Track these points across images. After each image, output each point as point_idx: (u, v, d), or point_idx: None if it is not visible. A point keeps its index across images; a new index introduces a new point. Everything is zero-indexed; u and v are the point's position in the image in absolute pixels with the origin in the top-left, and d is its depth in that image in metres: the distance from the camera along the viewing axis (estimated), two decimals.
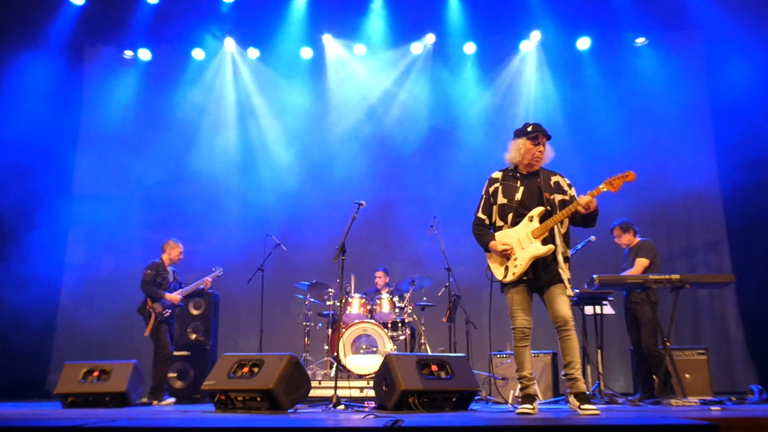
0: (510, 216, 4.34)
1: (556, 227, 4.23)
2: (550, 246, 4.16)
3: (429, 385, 4.67)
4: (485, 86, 9.32)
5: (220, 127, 9.44)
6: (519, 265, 4.22)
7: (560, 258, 4.19)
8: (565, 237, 4.31)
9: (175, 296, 6.58)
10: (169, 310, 6.55)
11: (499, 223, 4.39)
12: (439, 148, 9.24)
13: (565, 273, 4.20)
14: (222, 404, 4.76)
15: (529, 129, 4.37)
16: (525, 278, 4.24)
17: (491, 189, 4.47)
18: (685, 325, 8.35)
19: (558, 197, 4.30)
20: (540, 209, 4.25)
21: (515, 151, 4.40)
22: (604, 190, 4.13)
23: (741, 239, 8.32)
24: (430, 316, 7.76)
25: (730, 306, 8.34)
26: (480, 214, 4.48)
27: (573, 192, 4.37)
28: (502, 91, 9.33)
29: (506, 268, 4.29)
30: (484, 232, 4.43)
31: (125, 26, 8.92)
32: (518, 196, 4.34)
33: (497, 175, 4.50)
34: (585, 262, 7.43)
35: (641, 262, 6.07)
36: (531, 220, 4.25)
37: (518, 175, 4.42)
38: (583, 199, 4.10)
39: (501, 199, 4.39)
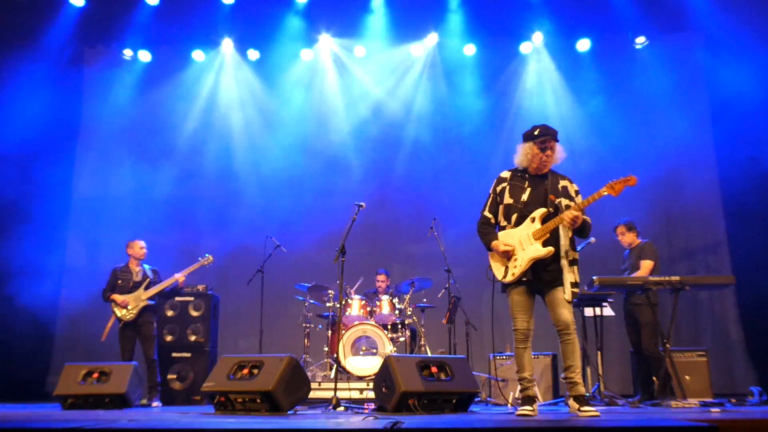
0: (514, 216, 4.33)
1: (562, 229, 4.20)
2: (550, 248, 4.15)
3: (429, 386, 4.66)
4: (485, 88, 9.30)
5: (219, 129, 9.43)
6: (518, 265, 4.22)
7: (563, 261, 4.16)
8: (572, 241, 4.28)
9: (120, 298, 6.66)
10: (129, 313, 6.61)
11: (503, 222, 4.39)
12: (439, 150, 9.24)
13: (569, 276, 4.15)
14: (222, 406, 4.76)
15: (536, 133, 4.32)
16: (524, 279, 4.24)
17: (499, 188, 4.46)
18: (685, 326, 8.34)
19: (564, 202, 4.26)
20: (542, 210, 4.24)
21: (523, 155, 4.37)
22: (605, 194, 4.12)
23: (741, 241, 8.31)
24: (430, 318, 7.75)
25: (729, 308, 8.33)
26: (486, 213, 4.47)
27: (579, 200, 4.29)
28: (503, 93, 9.31)
29: (506, 269, 4.29)
30: (488, 231, 4.43)
31: (125, 28, 8.92)
32: (524, 197, 4.33)
33: (506, 174, 4.48)
34: (585, 263, 7.39)
35: (647, 264, 6.06)
36: (533, 222, 4.24)
37: (527, 176, 4.40)
38: (568, 215, 4.09)
39: (507, 199, 4.38)
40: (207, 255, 7.09)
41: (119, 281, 6.78)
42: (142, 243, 6.94)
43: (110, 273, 6.89)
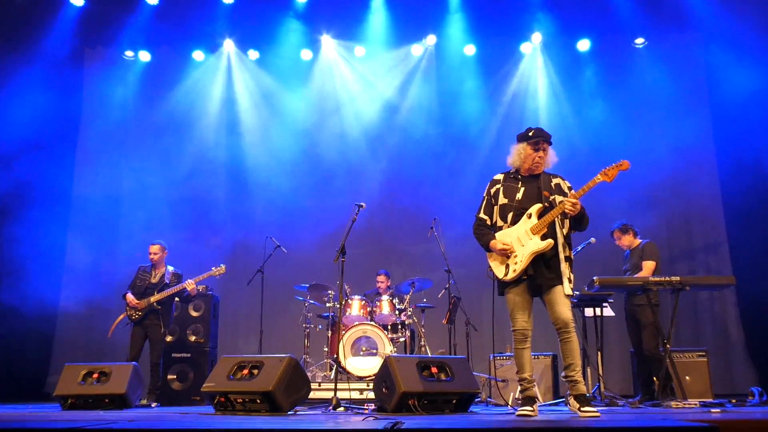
0: (510, 215, 4.35)
1: (557, 226, 4.22)
2: (550, 240, 4.17)
3: (429, 387, 4.66)
4: (485, 88, 9.31)
5: (219, 129, 9.44)
6: (519, 262, 4.22)
7: (561, 255, 4.18)
8: (567, 238, 4.30)
9: (129, 298, 6.68)
10: (136, 313, 6.62)
11: (500, 223, 4.40)
12: (439, 150, 9.24)
13: (566, 271, 4.18)
14: (222, 406, 4.75)
15: (530, 134, 4.38)
16: (525, 276, 4.24)
17: (492, 190, 4.49)
18: (685, 327, 8.34)
19: (558, 198, 4.29)
20: (538, 206, 4.27)
21: (516, 155, 4.43)
22: (600, 180, 4.18)
23: (741, 241, 8.31)
24: (430, 318, 7.75)
25: (730, 308, 8.33)
26: (481, 215, 4.50)
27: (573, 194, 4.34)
28: (503, 93, 9.31)
29: (507, 267, 4.29)
30: (485, 232, 4.44)
31: (125, 28, 8.92)
32: (519, 195, 4.36)
33: (499, 177, 4.53)
34: (585, 264, 7.42)
35: (649, 265, 6.06)
36: (529, 217, 4.27)
37: (519, 177, 4.44)
38: (568, 201, 4.10)
39: (502, 200, 4.40)
40: (221, 265, 6.99)
41: (138, 281, 6.81)
42: (152, 248, 6.89)
43: (136, 271, 6.94)
